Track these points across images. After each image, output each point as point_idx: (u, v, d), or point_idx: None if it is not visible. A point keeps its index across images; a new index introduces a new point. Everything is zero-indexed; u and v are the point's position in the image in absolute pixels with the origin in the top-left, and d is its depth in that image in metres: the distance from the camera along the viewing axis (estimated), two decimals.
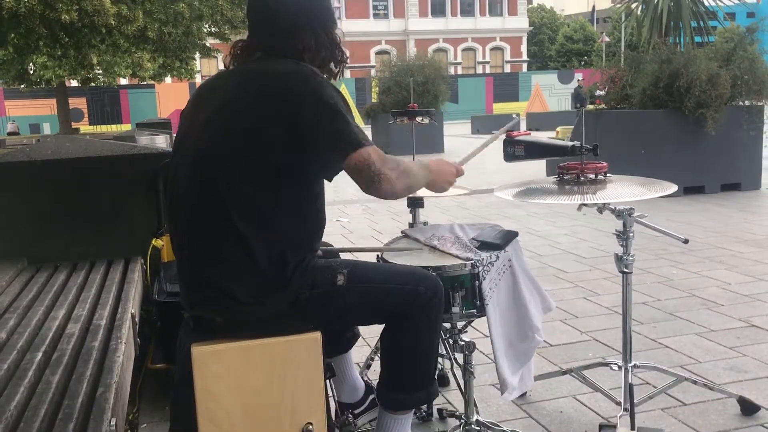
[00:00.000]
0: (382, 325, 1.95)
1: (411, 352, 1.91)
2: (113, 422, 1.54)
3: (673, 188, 2.24)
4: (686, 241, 2.46)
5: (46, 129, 28.84)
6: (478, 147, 2.36)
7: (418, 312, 1.86)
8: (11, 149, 5.74)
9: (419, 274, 1.92)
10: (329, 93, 1.71)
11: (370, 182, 1.68)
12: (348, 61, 2.01)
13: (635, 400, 2.35)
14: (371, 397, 2.41)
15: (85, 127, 28.68)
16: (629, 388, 2.35)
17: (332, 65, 1.94)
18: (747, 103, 7.94)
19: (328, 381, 2.17)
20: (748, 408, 2.49)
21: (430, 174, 1.94)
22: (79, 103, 29.82)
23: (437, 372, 2.69)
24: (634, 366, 2.48)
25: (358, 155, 1.67)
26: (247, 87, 1.76)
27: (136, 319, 2.48)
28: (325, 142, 1.69)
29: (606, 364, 2.60)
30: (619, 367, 2.48)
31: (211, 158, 1.73)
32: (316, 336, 1.78)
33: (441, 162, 2.01)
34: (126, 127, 27.89)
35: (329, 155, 1.71)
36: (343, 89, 1.91)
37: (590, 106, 8.88)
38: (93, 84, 25.50)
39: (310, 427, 1.76)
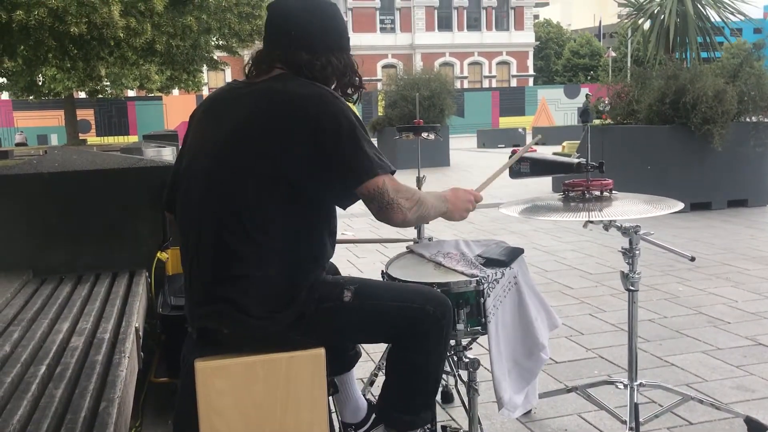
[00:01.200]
0: (387, 343, 1.94)
1: (417, 373, 1.90)
2: None
3: (679, 206, 2.23)
4: (693, 259, 2.44)
5: (54, 140, 29.02)
6: (498, 170, 2.36)
7: (426, 332, 1.85)
8: (19, 160, 5.77)
9: (428, 293, 1.90)
10: (348, 118, 1.71)
11: (383, 210, 1.70)
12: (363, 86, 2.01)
13: (641, 419, 2.34)
14: (375, 415, 2.39)
15: (92, 139, 28.85)
16: (635, 407, 2.33)
17: (350, 90, 1.95)
18: (754, 119, 7.93)
19: (330, 398, 2.17)
20: (756, 428, 2.47)
21: (446, 204, 1.95)
22: (86, 114, 30.01)
23: (441, 389, 2.68)
24: (640, 384, 2.46)
25: (372, 183, 1.68)
26: (265, 107, 1.74)
27: (140, 333, 2.47)
28: (340, 169, 1.69)
29: (612, 383, 2.58)
30: (625, 386, 2.46)
31: (227, 177, 1.73)
32: (320, 352, 1.77)
33: (457, 191, 2.02)
34: (133, 139, 28.04)
35: (343, 181, 1.71)
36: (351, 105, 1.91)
37: (596, 121, 8.88)
38: (101, 96, 25.64)
39: None
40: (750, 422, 2.48)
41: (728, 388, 2.89)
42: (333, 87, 1.89)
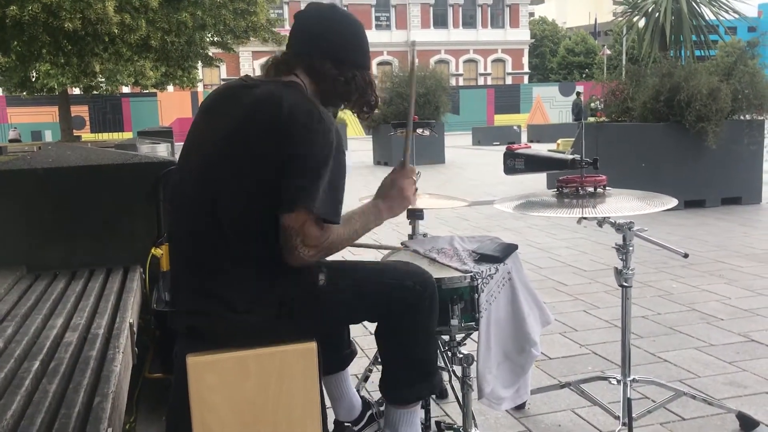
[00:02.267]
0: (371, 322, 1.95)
1: (407, 347, 1.92)
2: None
3: (673, 202, 2.24)
4: (686, 256, 2.45)
5: (48, 136, 28.92)
6: (407, 134, 2.20)
7: (409, 307, 1.86)
8: (12, 157, 5.75)
9: (406, 269, 1.92)
10: (318, 149, 1.68)
11: (285, 248, 1.68)
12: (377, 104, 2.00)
13: (634, 415, 2.35)
14: (369, 413, 2.40)
15: (86, 135, 28.76)
16: (628, 403, 2.34)
17: (365, 108, 1.96)
18: (747, 117, 7.96)
19: (324, 393, 2.17)
20: (747, 423, 2.48)
21: (380, 213, 1.89)
22: (81, 110, 29.92)
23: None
24: (633, 380, 2.47)
25: (291, 218, 1.65)
26: (257, 116, 1.74)
27: (135, 328, 2.47)
28: (284, 187, 1.67)
29: (605, 378, 2.59)
30: (618, 381, 2.47)
31: (214, 178, 1.75)
32: (312, 346, 1.77)
33: (392, 188, 1.93)
34: (127, 135, 27.97)
35: (282, 196, 1.68)
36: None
37: (591, 119, 8.90)
38: (95, 92, 25.57)
39: None
40: (742, 418, 2.50)
41: (720, 384, 2.91)
42: (351, 103, 1.92)
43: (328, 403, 2.19)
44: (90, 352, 2.07)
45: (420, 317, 1.90)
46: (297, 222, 1.65)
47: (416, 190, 2.00)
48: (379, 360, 2.03)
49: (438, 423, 2.52)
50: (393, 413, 1.99)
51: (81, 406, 1.66)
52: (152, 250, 3.15)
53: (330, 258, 1.82)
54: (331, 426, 2.27)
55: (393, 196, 1.93)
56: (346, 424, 2.30)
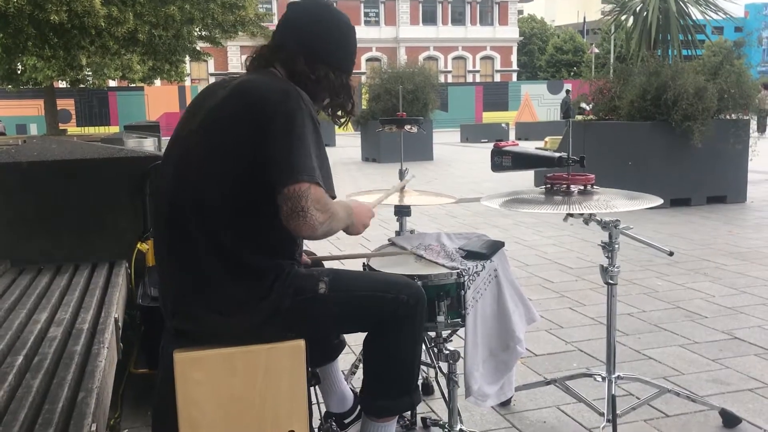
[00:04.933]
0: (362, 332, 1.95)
1: (394, 360, 1.91)
2: (94, 427, 1.52)
3: (658, 201, 2.26)
4: (671, 254, 2.47)
5: (33, 130, 28.65)
6: (386, 192, 2.42)
7: (401, 320, 1.86)
8: None
9: (402, 282, 1.92)
10: (305, 119, 1.69)
11: (293, 216, 1.61)
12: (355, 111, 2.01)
13: (618, 411, 2.36)
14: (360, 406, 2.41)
15: (72, 129, 28.53)
16: (612, 400, 2.36)
17: (340, 112, 1.97)
18: (733, 116, 8.02)
19: (314, 388, 2.17)
20: (730, 420, 2.51)
21: (353, 217, 1.88)
22: (67, 104, 29.67)
23: (421, 381, 2.69)
24: (618, 377, 2.49)
25: (297, 186, 1.61)
26: (232, 97, 1.76)
27: (120, 324, 2.46)
28: (277, 164, 1.64)
29: (590, 375, 2.60)
30: (603, 378, 2.49)
31: (190, 168, 1.75)
32: (299, 343, 1.77)
33: (360, 205, 1.96)
34: (114, 129, 27.75)
35: (273, 175, 1.65)
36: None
37: (579, 117, 8.93)
38: (82, 86, 25.34)
39: None
40: (725, 414, 2.52)
41: (704, 381, 2.93)
42: (324, 104, 1.92)
43: (317, 398, 2.20)
44: (74, 347, 2.06)
45: (410, 331, 1.90)
46: (303, 187, 1.60)
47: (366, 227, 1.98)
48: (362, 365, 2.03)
49: (424, 419, 2.53)
50: (370, 425, 1.98)
51: (65, 402, 1.66)
52: (138, 245, 3.14)
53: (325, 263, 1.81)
54: (317, 423, 2.27)
55: (361, 220, 1.92)
56: (331, 424, 2.30)
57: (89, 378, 1.82)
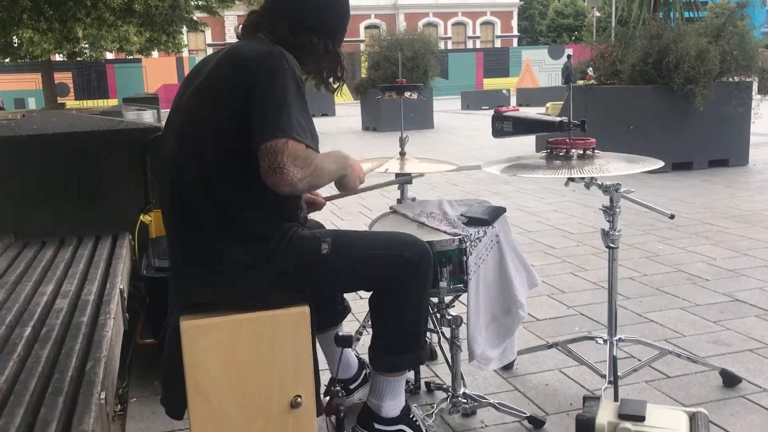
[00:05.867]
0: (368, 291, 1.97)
1: (399, 317, 1.94)
2: (103, 395, 1.55)
3: (659, 164, 2.26)
4: (672, 217, 2.48)
5: (32, 104, 28.49)
6: (376, 184, 2.38)
7: (405, 278, 1.88)
8: None
9: (405, 240, 1.93)
10: (288, 78, 1.68)
11: (271, 172, 1.59)
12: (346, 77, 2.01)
13: (619, 373, 2.39)
14: (365, 372, 2.44)
15: (71, 102, 28.36)
16: (613, 361, 2.38)
17: (331, 79, 1.98)
18: (736, 79, 7.96)
19: (321, 354, 2.20)
20: (730, 380, 2.54)
21: (347, 167, 1.86)
22: (64, 77, 29.45)
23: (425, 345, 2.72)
24: (619, 339, 2.52)
25: (274, 142, 1.59)
26: (222, 66, 1.78)
27: (125, 295, 2.48)
28: (257, 120, 1.64)
29: (591, 338, 2.63)
30: (605, 341, 2.51)
31: (189, 133, 1.76)
32: (304, 310, 1.79)
33: (355, 160, 1.95)
34: (113, 102, 27.61)
35: (254, 133, 1.64)
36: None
37: (580, 82, 8.87)
38: (79, 58, 25.12)
39: (299, 399, 1.78)
40: (725, 374, 2.55)
41: (705, 342, 2.96)
42: (310, 71, 1.93)
43: (323, 365, 2.22)
44: (81, 318, 2.08)
45: (415, 289, 1.91)
46: (279, 143, 1.59)
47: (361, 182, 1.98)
48: (370, 323, 2.06)
49: (427, 383, 2.56)
50: (379, 381, 2.02)
51: (74, 371, 1.68)
52: (141, 217, 3.15)
53: (329, 226, 1.82)
54: (324, 390, 2.30)
55: (357, 173, 1.91)
56: (337, 389, 2.33)
57: (97, 348, 1.84)
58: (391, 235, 1.99)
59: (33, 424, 1.41)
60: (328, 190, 1.98)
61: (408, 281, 1.89)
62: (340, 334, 2.17)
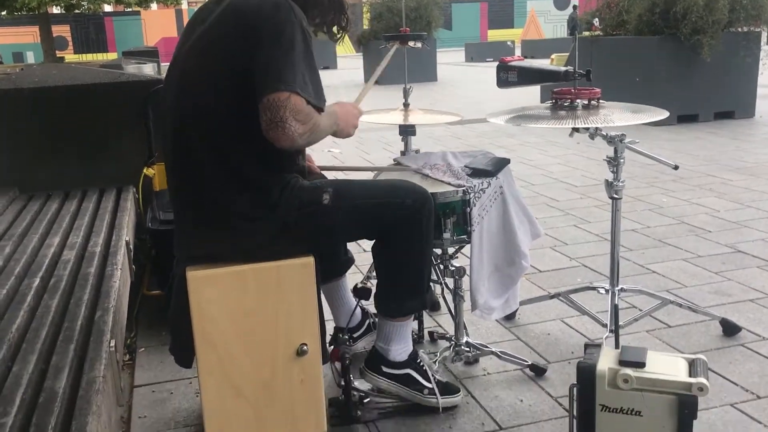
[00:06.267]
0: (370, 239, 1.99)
1: (403, 263, 1.96)
2: (112, 344, 1.58)
3: (664, 114, 2.24)
4: (676, 167, 2.47)
5: (30, 58, 28.20)
6: (369, 82, 2.40)
7: (408, 224, 1.89)
8: None
9: (406, 187, 1.93)
10: (294, 30, 1.66)
11: (272, 126, 1.59)
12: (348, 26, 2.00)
13: (621, 323, 2.42)
14: (368, 322, 2.47)
15: (69, 56, 28.05)
16: (615, 310, 2.41)
17: (335, 29, 1.96)
18: (745, 29, 7.82)
19: (325, 305, 2.23)
20: (730, 329, 2.57)
21: (338, 122, 1.88)
22: (62, 30, 29.06)
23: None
24: (621, 289, 2.54)
25: (276, 95, 1.58)
26: (225, 16, 1.75)
27: (131, 247, 2.50)
28: (260, 71, 1.63)
29: (593, 288, 2.66)
30: (606, 291, 2.54)
31: (190, 86, 1.76)
32: (309, 260, 1.81)
33: (344, 105, 1.97)
34: (112, 56, 27.29)
35: (257, 85, 1.63)
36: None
37: (586, 33, 8.73)
38: (77, 11, 24.75)
39: (305, 347, 1.81)
40: (725, 324, 2.58)
41: (706, 293, 2.99)
42: (317, 22, 1.91)
43: (327, 315, 2.26)
44: (88, 269, 2.10)
45: (417, 235, 1.93)
46: (282, 97, 1.58)
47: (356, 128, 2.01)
48: (374, 274, 2.08)
49: (431, 333, 2.60)
50: (386, 326, 2.05)
51: (83, 320, 1.71)
52: (144, 170, 3.15)
53: (330, 177, 1.82)
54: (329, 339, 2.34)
55: (349, 122, 1.94)
56: (345, 337, 2.37)
57: (105, 298, 1.87)
58: (391, 183, 2.00)
59: (45, 371, 1.44)
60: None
61: (410, 227, 1.90)
62: (359, 285, 2.21)
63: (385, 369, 2.06)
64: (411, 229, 1.90)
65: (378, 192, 1.92)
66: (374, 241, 1.98)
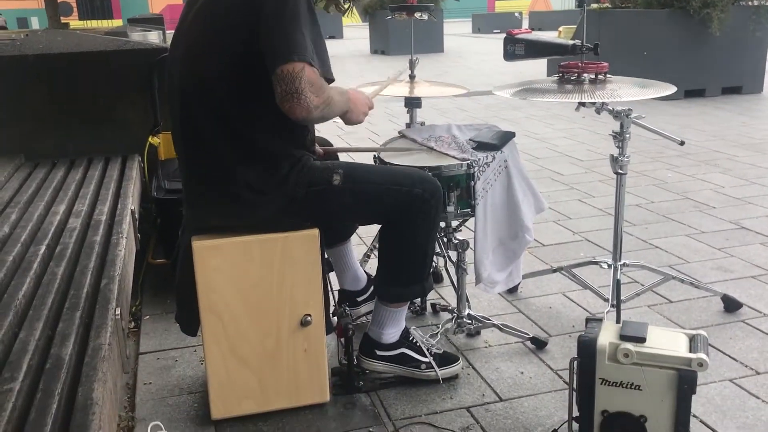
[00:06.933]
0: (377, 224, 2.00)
1: (408, 250, 1.97)
2: (118, 311, 1.59)
3: (672, 89, 2.23)
4: (682, 143, 2.46)
5: (35, 23, 27.99)
6: (385, 82, 2.41)
7: (415, 213, 1.90)
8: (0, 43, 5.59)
9: (417, 176, 1.93)
10: (293, 6, 1.65)
11: (287, 97, 1.59)
12: None
13: (622, 297, 2.43)
14: (372, 287, 2.49)
15: (74, 22, 27.79)
16: (617, 284, 2.42)
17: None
18: (755, 2, 7.71)
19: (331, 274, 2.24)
20: (731, 305, 2.58)
21: (349, 103, 1.88)
22: None
23: (432, 269, 2.77)
24: (624, 264, 2.55)
25: (291, 66, 1.58)
26: None
27: (136, 215, 2.51)
28: (270, 44, 1.62)
29: (596, 263, 2.66)
30: (609, 266, 2.54)
31: (196, 57, 1.75)
32: (314, 232, 1.82)
33: (358, 92, 1.97)
34: (117, 23, 27.07)
35: (267, 57, 1.63)
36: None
37: (594, 6, 8.63)
38: None
39: (309, 317, 1.83)
40: (726, 300, 2.59)
41: (709, 269, 3.00)
42: None
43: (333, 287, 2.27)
44: (94, 237, 2.12)
45: (424, 224, 1.93)
46: (297, 68, 1.58)
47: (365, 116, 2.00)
48: (375, 253, 2.08)
49: (433, 305, 2.62)
50: (382, 311, 2.06)
51: (89, 288, 1.73)
52: (149, 139, 3.15)
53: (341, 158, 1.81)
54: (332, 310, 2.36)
55: (359, 108, 1.94)
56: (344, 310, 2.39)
57: (110, 266, 1.88)
58: (403, 170, 1.98)
59: (52, 338, 1.46)
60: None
61: (417, 217, 1.90)
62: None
63: (379, 352, 2.08)
64: (419, 219, 1.91)
65: (389, 177, 1.91)
66: (381, 226, 1.99)
